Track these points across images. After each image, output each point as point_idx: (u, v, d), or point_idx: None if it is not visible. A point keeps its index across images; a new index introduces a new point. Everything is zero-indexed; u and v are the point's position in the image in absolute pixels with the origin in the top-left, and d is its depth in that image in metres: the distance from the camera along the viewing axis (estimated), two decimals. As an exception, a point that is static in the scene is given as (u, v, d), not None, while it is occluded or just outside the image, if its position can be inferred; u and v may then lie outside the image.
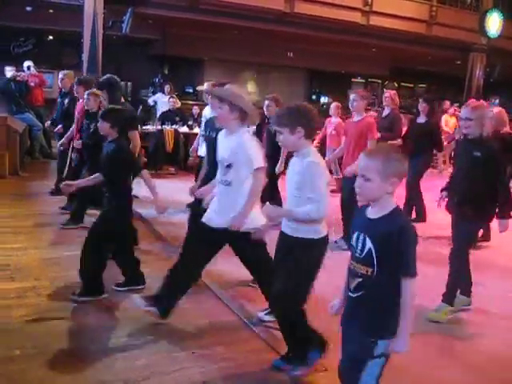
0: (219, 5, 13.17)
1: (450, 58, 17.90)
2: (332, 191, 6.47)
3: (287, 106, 3.38)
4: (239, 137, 3.69)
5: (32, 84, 10.98)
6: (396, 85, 21.90)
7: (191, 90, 17.99)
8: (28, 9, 14.33)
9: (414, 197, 7.59)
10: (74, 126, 7.11)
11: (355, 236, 2.44)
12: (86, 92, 6.24)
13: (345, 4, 14.48)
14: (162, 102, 12.33)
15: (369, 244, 2.34)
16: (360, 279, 2.40)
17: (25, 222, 6.40)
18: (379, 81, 22.02)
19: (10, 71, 10.58)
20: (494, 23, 16.85)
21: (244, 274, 4.92)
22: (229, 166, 3.66)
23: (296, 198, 3.19)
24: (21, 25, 14.71)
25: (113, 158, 4.33)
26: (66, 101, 8.05)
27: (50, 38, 16.63)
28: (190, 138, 11.17)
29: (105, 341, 3.66)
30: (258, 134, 6.13)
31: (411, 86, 22.54)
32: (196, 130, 11.12)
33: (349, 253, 2.55)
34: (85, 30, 12.07)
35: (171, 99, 11.87)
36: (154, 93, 14.05)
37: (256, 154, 3.65)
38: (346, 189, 5.98)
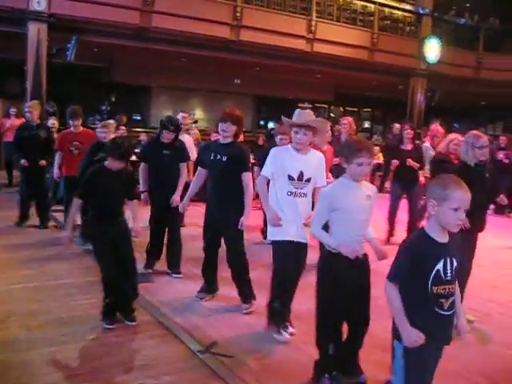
0: (165, 33, 13.20)
1: (393, 83, 18.38)
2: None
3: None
4: (316, 154, 4.27)
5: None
6: (342, 109, 22.37)
7: (139, 118, 17.91)
8: (-31, 36, 14.03)
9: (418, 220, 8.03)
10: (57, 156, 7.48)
11: None
12: (100, 125, 6.98)
13: (289, 32, 14.71)
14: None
15: None
16: None
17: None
18: (325, 106, 22.43)
19: None
20: (432, 49, 17.41)
21: (193, 303, 4.90)
22: (308, 180, 4.15)
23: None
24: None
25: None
26: (43, 132, 8.05)
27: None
28: (136, 165, 11.02)
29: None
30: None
31: (356, 110, 23.03)
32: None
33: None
34: (28, 57, 11.93)
35: (121, 127, 11.65)
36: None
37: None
38: None
